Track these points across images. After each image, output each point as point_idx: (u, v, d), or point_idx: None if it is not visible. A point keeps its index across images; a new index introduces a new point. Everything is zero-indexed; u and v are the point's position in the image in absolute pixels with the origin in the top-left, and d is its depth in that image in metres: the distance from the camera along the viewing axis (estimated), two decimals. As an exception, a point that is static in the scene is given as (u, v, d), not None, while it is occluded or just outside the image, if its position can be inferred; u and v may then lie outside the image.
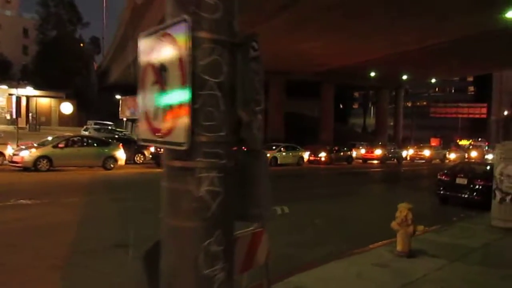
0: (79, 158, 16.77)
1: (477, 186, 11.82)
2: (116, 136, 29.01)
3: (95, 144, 17.87)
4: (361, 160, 32.55)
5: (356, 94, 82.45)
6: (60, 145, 16.43)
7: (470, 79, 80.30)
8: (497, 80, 79.75)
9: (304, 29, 22.55)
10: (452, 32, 23.44)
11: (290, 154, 25.10)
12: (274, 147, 25.12)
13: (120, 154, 17.91)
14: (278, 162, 24.02)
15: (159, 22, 20.88)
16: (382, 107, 49.79)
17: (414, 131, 58.37)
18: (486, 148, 58.17)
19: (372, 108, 68.20)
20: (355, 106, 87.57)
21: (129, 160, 21.21)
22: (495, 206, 8.74)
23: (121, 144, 18.40)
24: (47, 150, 16.02)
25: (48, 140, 17.63)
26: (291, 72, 37.12)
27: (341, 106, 72.75)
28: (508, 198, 8.56)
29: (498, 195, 8.68)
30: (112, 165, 17.54)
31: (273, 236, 7.54)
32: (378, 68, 36.62)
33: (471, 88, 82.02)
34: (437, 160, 38.69)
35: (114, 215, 8.68)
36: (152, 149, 21.07)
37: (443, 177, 12.63)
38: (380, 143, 36.75)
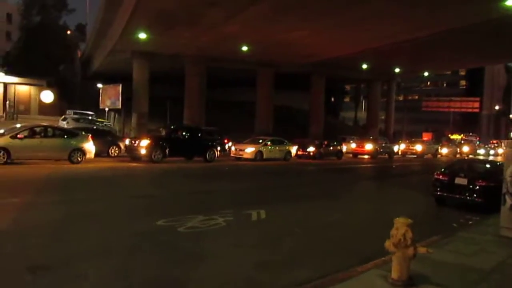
0: (41, 150, 15.21)
1: (478, 187, 10.58)
2: (94, 127, 27.39)
3: (61, 135, 16.30)
4: (351, 155, 31.34)
5: (348, 87, 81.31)
6: (19, 136, 14.83)
7: (462, 73, 79.58)
8: (489, 74, 79.29)
9: (290, 16, 21.14)
10: (447, 22, 22.21)
11: (277, 148, 23.72)
12: (260, 141, 23.74)
13: (89, 147, 16.39)
14: (264, 156, 22.65)
15: (136, 3, 19.32)
16: (373, 101, 48.57)
17: (406, 125, 57.41)
18: (478, 143, 57.56)
19: (363, 101, 67.05)
20: (347, 99, 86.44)
21: (103, 153, 19.80)
22: (505, 214, 7.48)
23: (90, 135, 16.84)
24: (4, 140, 14.43)
25: (16, 128, 16.03)
26: (280, 64, 35.74)
27: (332, 100, 71.65)
28: (520, 205, 7.31)
29: (509, 201, 7.43)
30: (79, 159, 16.01)
31: (240, 252, 6.21)
32: (369, 60, 35.34)
33: (463, 82, 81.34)
34: (429, 155, 37.71)
35: (51, 223, 7.24)
36: (127, 142, 19.59)
37: (441, 176, 11.35)
38: (371, 137, 35.55)
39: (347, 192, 13.83)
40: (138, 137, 20.17)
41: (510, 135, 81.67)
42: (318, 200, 11.58)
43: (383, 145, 32.95)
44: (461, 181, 10.88)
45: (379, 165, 26.27)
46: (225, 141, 24.24)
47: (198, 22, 21.43)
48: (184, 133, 20.25)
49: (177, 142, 19.38)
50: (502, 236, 7.39)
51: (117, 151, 20.35)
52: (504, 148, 55.33)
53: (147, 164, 17.89)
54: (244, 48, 28.76)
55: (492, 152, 51.14)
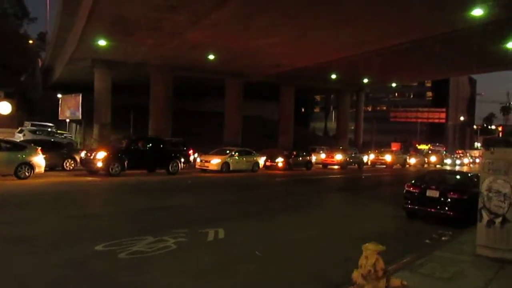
0: (-18, 165, 13.82)
1: (450, 200, 10.07)
2: (51, 139, 25.87)
3: (7, 149, 14.90)
4: (321, 165, 30.87)
5: (318, 98, 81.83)
6: (-43, 150, 13.44)
7: (429, 84, 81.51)
8: (454, 86, 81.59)
9: (255, 23, 20.50)
10: (415, 30, 22.16)
11: (244, 159, 22.86)
12: (227, 152, 22.85)
13: (38, 160, 15.06)
14: (231, 168, 21.74)
15: (91, 8, 18.21)
16: (343, 111, 48.70)
17: (375, 136, 57.92)
18: (444, 152, 58.61)
19: (333, 112, 67.41)
20: (317, 110, 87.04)
21: (57, 167, 18.45)
22: (482, 231, 6.88)
23: (40, 148, 15.50)
24: None
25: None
26: (249, 74, 35.15)
27: (302, 110, 71.78)
28: (497, 220, 6.72)
29: (486, 217, 6.83)
30: (27, 173, 14.67)
31: (185, 283, 5.15)
32: (338, 70, 35.22)
33: (430, 94, 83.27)
34: (398, 165, 37.75)
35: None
36: (83, 154, 18.28)
37: (411, 188, 10.78)
38: (341, 147, 35.30)
39: (315, 206, 13.11)
40: (94, 149, 18.88)
41: (474, 145, 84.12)
42: (284, 215, 10.79)
43: (353, 155, 32.69)
44: (432, 193, 10.35)
45: (348, 176, 25.84)
46: (190, 152, 23.14)
47: (159, 27, 20.47)
48: (145, 144, 19.10)
49: (137, 154, 18.24)
50: (479, 256, 6.78)
51: (72, 165, 18.98)
52: (477, 158, 56.24)
53: (103, 178, 16.66)
54: (211, 57, 27.95)
55: (458, 162, 52.05)
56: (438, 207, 10.19)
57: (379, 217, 11.45)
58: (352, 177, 25.30)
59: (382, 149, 41.56)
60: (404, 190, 10.96)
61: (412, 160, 41.50)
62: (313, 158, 29.13)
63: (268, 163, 25.27)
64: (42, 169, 15.37)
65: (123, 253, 6.26)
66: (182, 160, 19.96)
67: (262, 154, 25.32)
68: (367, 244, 3.89)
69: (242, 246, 7.35)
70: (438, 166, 46.10)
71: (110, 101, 31.58)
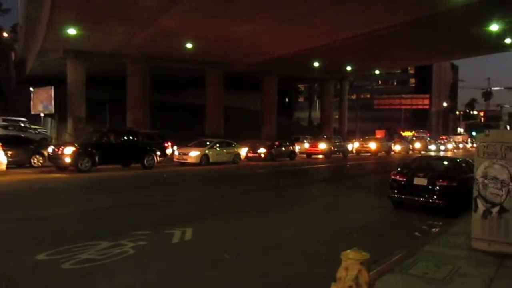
0: None
1: (439, 188, 9.39)
2: (22, 135, 24.64)
3: (-37, 145, 13.77)
4: (305, 155, 30.17)
5: (302, 88, 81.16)
6: None
7: (412, 71, 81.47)
8: (437, 72, 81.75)
9: (231, 8, 19.52)
10: (397, 14, 21.47)
11: (224, 151, 21.92)
12: (207, 143, 21.90)
13: (-1, 157, 13.97)
14: (210, 160, 20.82)
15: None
16: (327, 100, 48.02)
17: (360, 124, 57.57)
18: (428, 139, 58.60)
19: (318, 101, 66.81)
20: (301, 99, 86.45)
21: (25, 164, 17.30)
22: (477, 223, 6.16)
23: (0, 144, 14.38)
24: None
25: None
26: (230, 63, 34.10)
27: (286, 100, 70.99)
28: (494, 210, 6.01)
29: (481, 206, 6.11)
30: (-14, 172, 13.58)
31: None
32: (321, 58, 34.40)
33: (413, 81, 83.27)
34: (383, 152, 37.31)
35: None
36: (50, 150, 17.14)
37: (398, 176, 10.07)
38: (325, 136, 34.63)
39: (296, 199, 12.31)
40: (62, 144, 17.75)
41: (457, 130, 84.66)
42: (261, 211, 9.95)
43: (337, 144, 32.05)
44: (420, 181, 9.65)
45: (333, 165, 25.18)
46: (167, 144, 21.93)
47: (130, 14, 19.30)
48: (117, 138, 17.99)
49: (109, 147, 17.18)
50: (474, 249, 6.08)
51: (41, 161, 17.83)
52: (461, 143, 56.61)
53: (72, 175, 15.60)
54: (189, 46, 26.83)
55: (442, 147, 52.02)
56: (427, 195, 9.52)
57: (363, 209, 10.74)
58: (337, 166, 24.64)
59: (367, 137, 41.05)
60: (391, 178, 10.25)
61: (397, 147, 41.15)
62: (297, 148, 28.39)
63: (250, 154, 24.45)
64: (4, 167, 14.33)
65: (68, 263, 5.36)
66: (159, 153, 18.92)
67: (245, 145, 24.47)
68: (347, 251, 3.07)
69: (211, 248, 6.51)
70: (422, 152, 45.96)
71: (85, 94, 30.23)
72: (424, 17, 21.75)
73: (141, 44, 26.78)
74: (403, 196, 9.98)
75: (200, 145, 21.55)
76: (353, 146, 36.19)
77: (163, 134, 22.78)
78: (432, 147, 49.80)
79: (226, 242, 6.88)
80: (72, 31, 22.25)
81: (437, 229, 8.21)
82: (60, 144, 18.00)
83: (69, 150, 15.86)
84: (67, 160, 15.75)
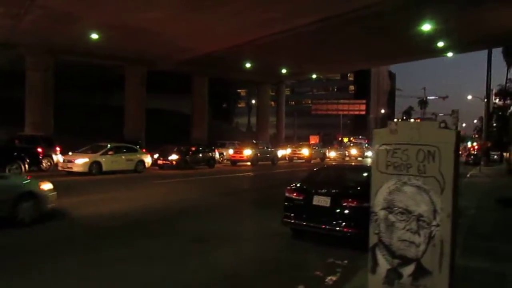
0: None
1: (345, 210, 6.75)
2: None
3: None
4: (229, 162, 27.29)
5: (243, 93, 78.82)
6: None
7: (351, 78, 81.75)
8: (375, 79, 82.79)
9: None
10: (322, 7, 19.34)
11: (123, 157, 18.33)
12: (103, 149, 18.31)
13: None
14: (104, 169, 17.21)
15: None
16: (263, 104, 45.75)
17: (300, 130, 55.95)
18: (366, 145, 58.09)
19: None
20: (242, 105, 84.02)
21: None
22: (375, 286, 3.45)
23: None
24: None
25: None
26: (153, 61, 30.74)
27: (224, 105, 68.12)
28: (406, 271, 3.31)
29: (384, 263, 3.39)
30: None
31: None
32: (254, 59, 32.00)
33: (352, 87, 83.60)
34: (317, 159, 35.35)
35: None
36: None
37: (293, 194, 7.35)
38: (254, 141, 32.01)
39: (172, 224, 9.13)
40: None
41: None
42: (119, 246, 6.79)
43: (265, 150, 29.43)
44: (321, 201, 6.95)
45: (255, 174, 22.44)
46: (41, 150, 17.31)
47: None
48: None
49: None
50: None
51: None
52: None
53: None
54: (94, 36, 23.27)
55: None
56: (330, 221, 6.85)
57: (257, 237, 7.95)
58: (258, 175, 21.89)
59: (300, 143, 39.02)
60: (285, 196, 7.50)
61: (332, 154, 39.52)
62: (221, 154, 25.41)
63: (160, 162, 21.13)
64: None
65: None
66: (28, 161, 15.11)
67: (157, 151, 21.16)
68: None
69: None
70: (359, 159, 44.93)
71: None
72: (350, 12, 19.78)
73: (35, 32, 22.80)
74: (303, 223, 7.21)
75: (93, 150, 17.93)
76: (285, 152, 33.85)
77: (51, 138, 18.92)
78: (369, 153, 48.95)
79: None
80: None
81: (335, 277, 5.50)
82: None
83: None
84: None
